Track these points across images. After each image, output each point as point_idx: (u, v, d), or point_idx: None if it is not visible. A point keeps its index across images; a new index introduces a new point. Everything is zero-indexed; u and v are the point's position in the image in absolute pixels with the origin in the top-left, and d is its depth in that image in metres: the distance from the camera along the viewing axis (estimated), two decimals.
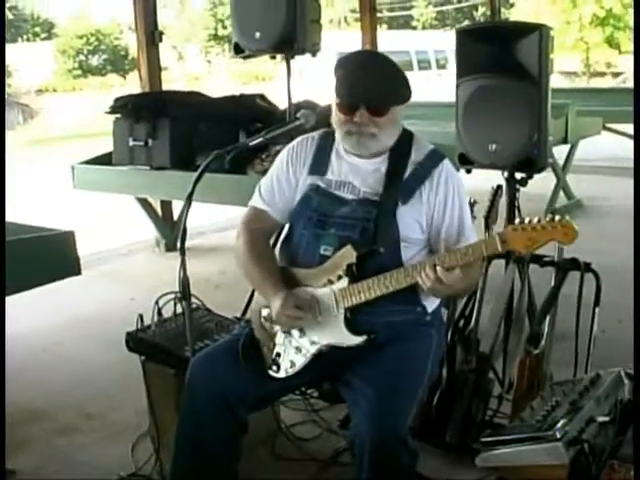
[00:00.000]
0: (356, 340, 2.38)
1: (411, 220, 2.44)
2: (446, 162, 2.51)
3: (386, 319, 2.43)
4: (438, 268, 2.24)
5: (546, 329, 3.09)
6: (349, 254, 2.38)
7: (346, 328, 2.40)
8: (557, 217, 2.16)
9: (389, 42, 16.26)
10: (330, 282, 2.42)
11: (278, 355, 2.50)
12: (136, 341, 3.09)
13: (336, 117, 2.47)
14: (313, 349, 2.45)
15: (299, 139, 2.65)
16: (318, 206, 2.50)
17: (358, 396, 2.33)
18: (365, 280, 2.35)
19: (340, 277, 2.39)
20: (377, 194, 2.45)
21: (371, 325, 2.40)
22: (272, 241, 2.75)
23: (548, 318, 3.10)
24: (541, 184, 4.69)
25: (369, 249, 2.38)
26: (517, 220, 2.21)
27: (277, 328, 2.52)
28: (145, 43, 6.32)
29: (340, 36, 18.24)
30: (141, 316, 3.12)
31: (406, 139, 2.52)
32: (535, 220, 2.17)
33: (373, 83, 2.38)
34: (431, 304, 2.55)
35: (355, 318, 2.41)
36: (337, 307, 2.41)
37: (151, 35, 6.31)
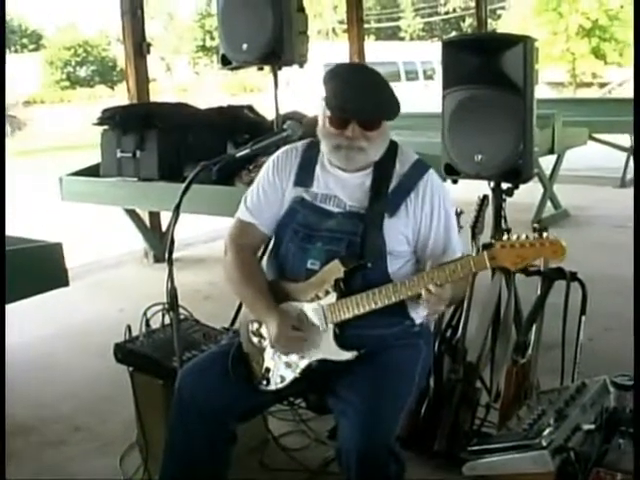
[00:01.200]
0: (346, 355, 2.39)
1: (397, 233, 2.44)
2: (431, 173, 2.51)
3: (374, 332, 2.43)
4: (431, 287, 2.26)
5: (533, 338, 3.09)
6: (336, 269, 2.38)
7: (335, 343, 2.40)
8: (545, 234, 2.17)
9: (377, 53, 16.37)
10: (318, 297, 2.41)
11: (267, 370, 2.50)
12: (124, 352, 3.09)
13: (325, 130, 2.45)
14: (303, 364, 2.45)
15: (283, 149, 2.63)
16: (304, 219, 2.49)
17: (345, 405, 2.34)
18: (354, 296, 2.35)
19: (328, 292, 2.39)
20: (363, 207, 2.45)
21: (359, 339, 2.39)
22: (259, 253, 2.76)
23: (535, 327, 3.10)
24: (528, 194, 4.71)
25: (357, 264, 2.37)
26: (505, 236, 2.22)
27: (266, 343, 2.51)
28: (133, 54, 6.32)
29: (328, 47, 18.28)
30: (129, 327, 3.12)
31: (391, 151, 2.51)
32: (523, 236, 2.18)
33: (366, 98, 2.36)
34: (419, 316, 2.55)
35: (344, 333, 2.40)
36: (326, 322, 2.40)
37: (139, 46, 6.32)
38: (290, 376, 2.47)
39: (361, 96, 2.36)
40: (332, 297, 2.38)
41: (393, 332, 2.48)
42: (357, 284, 2.36)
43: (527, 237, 2.18)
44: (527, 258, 2.18)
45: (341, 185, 2.50)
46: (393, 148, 2.52)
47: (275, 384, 2.49)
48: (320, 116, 2.47)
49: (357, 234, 2.41)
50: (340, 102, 2.36)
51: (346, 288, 2.37)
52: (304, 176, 2.54)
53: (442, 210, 2.48)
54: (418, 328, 2.55)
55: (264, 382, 2.50)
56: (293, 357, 2.47)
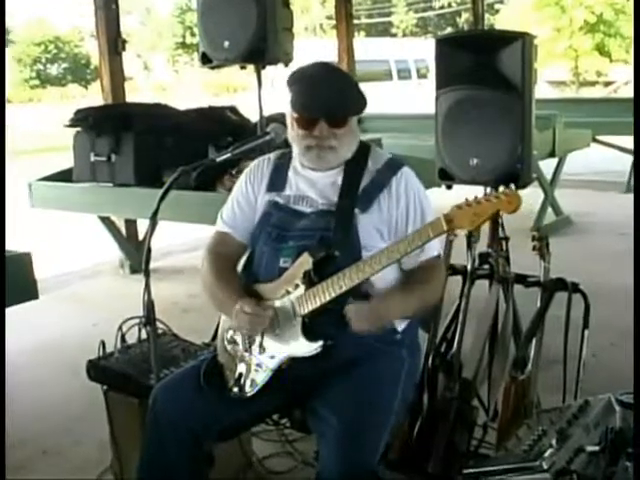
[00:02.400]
0: (312, 346, 2.42)
1: (371, 228, 2.51)
2: (405, 169, 2.60)
3: (351, 335, 2.44)
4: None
5: (532, 353, 3.10)
6: (305, 261, 2.45)
7: (303, 335, 2.44)
8: (501, 188, 2.26)
9: (367, 50, 16.43)
10: (288, 292, 2.47)
11: (240, 375, 2.56)
12: (98, 369, 3.09)
13: (294, 132, 2.56)
14: (273, 363, 2.50)
15: (256, 162, 2.75)
16: (277, 221, 2.58)
17: (324, 427, 2.36)
18: (320, 284, 2.40)
19: (297, 286, 2.45)
20: (334, 205, 2.54)
21: (333, 338, 2.43)
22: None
23: (534, 341, 3.12)
24: (527, 200, 4.74)
25: (325, 254, 2.43)
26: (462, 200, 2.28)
27: (240, 349, 2.57)
28: (108, 51, 6.34)
29: (315, 44, 18.35)
30: (103, 342, 3.13)
31: (363, 150, 2.62)
32: (480, 196, 2.25)
33: (331, 95, 2.48)
34: (400, 321, 2.59)
35: (314, 326, 2.45)
36: (295, 316, 2.46)
37: (114, 43, 6.33)
38: (261, 377, 2.51)
39: (326, 94, 2.48)
40: (301, 289, 2.45)
41: (371, 335, 2.49)
42: (329, 275, 2.40)
43: (485, 194, 2.26)
44: (484, 214, 2.22)
45: (313, 185, 2.60)
46: (365, 148, 2.63)
47: (247, 389, 2.53)
48: (288, 120, 2.58)
49: (329, 229, 2.49)
50: (305, 102, 2.49)
51: (318, 280, 2.42)
52: (276, 181, 2.66)
53: (418, 206, 2.55)
54: (400, 336, 2.59)
55: (237, 389, 2.54)
56: (264, 358, 2.52)
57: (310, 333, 2.44)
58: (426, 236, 2.29)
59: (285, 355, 2.48)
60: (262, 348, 2.53)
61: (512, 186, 2.24)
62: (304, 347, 2.44)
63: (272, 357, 2.50)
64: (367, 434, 2.35)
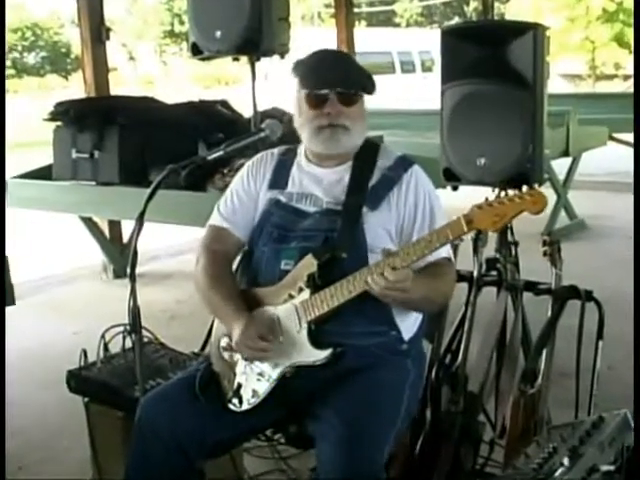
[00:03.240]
0: (321, 355, 2.44)
1: (379, 228, 2.54)
2: (416, 168, 2.64)
3: (355, 342, 2.49)
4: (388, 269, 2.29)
5: (543, 365, 3.10)
6: (310, 263, 2.46)
7: (310, 343, 2.46)
8: (525, 188, 2.23)
9: (368, 41, 16.45)
10: (291, 296, 2.49)
11: (239, 386, 2.55)
12: (79, 380, 3.10)
13: (302, 117, 2.59)
14: (276, 373, 2.50)
15: (259, 155, 2.77)
16: (279, 220, 2.61)
17: (325, 427, 2.38)
18: (327, 288, 2.41)
19: (301, 289, 2.46)
20: (341, 204, 2.56)
21: (339, 346, 2.45)
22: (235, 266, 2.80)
23: (545, 353, 3.11)
24: None
25: (330, 255, 2.45)
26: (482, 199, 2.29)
27: (238, 357, 2.57)
28: (90, 40, 6.34)
29: (313, 34, 18.35)
30: (85, 352, 3.14)
31: (372, 147, 2.67)
32: (502, 195, 2.26)
33: (342, 70, 2.56)
34: (408, 329, 2.62)
35: (320, 333, 2.46)
36: (299, 322, 2.47)
37: (97, 31, 6.33)
38: (263, 387, 2.52)
39: (336, 69, 2.56)
40: (305, 294, 2.46)
41: (377, 343, 2.54)
42: (334, 279, 2.42)
43: (507, 194, 2.26)
44: (506, 215, 2.24)
45: (318, 182, 2.63)
46: (374, 145, 2.69)
47: (247, 401, 2.53)
48: (295, 106, 2.61)
49: (334, 230, 2.51)
50: (316, 76, 2.54)
51: (322, 284, 2.43)
52: (279, 178, 2.69)
53: (427, 206, 2.58)
54: (406, 346, 2.61)
55: (236, 401, 2.54)
56: (265, 366, 2.52)
57: (317, 340, 2.45)
58: (444, 237, 2.31)
59: (290, 363, 2.49)
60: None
61: (536, 186, 2.25)
62: (312, 355, 2.45)
63: (276, 365, 2.51)
64: (371, 434, 2.36)
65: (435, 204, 2.61)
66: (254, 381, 2.54)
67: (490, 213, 2.24)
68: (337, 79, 2.51)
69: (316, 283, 2.44)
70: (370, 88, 2.59)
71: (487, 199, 2.27)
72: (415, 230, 2.55)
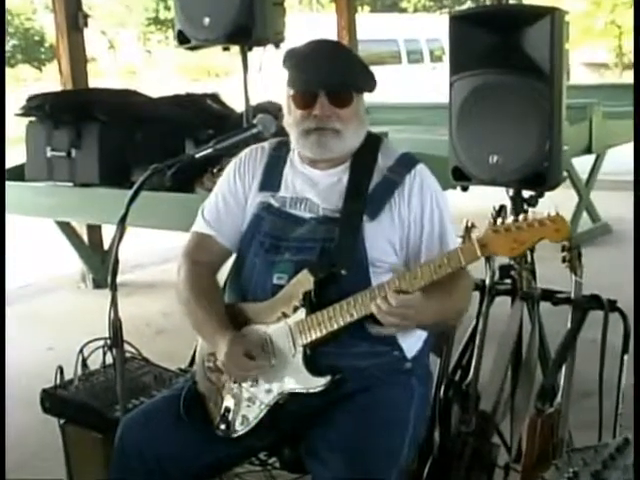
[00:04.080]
0: (318, 382, 2.43)
1: (381, 239, 2.52)
2: (421, 167, 2.60)
3: (355, 363, 2.48)
4: (391, 293, 2.29)
5: (562, 382, 3.10)
6: (305, 280, 2.45)
7: (306, 369, 2.45)
8: (545, 212, 2.24)
9: (372, 28, 16.45)
10: (285, 315, 2.48)
11: (227, 410, 2.55)
12: (54, 400, 3.10)
13: (291, 116, 2.57)
14: (268, 399, 2.50)
15: (247, 150, 2.75)
16: (270, 228, 2.58)
17: (323, 452, 2.38)
18: (325, 309, 2.41)
19: (296, 308, 2.46)
20: (339, 210, 2.53)
21: (336, 370, 2.44)
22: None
23: (565, 368, 3.11)
24: (559, 204, 4.74)
25: (328, 272, 2.44)
26: (499, 221, 2.30)
27: (225, 378, 2.56)
28: (66, 27, 6.35)
29: (311, 21, 18.35)
30: (61, 368, 3.14)
31: (372, 144, 2.63)
32: (521, 218, 2.26)
33: (333, 66, 2.50)
34: (411, 347, 2.60)
35: (317, 356, 2.46)
36: (294, 345, 2.46)
37: (74, 17, 6.34)
38: (254, 414, 2.51)
39: (326, 65, 2.50)
40: (301, 313, 2.45)
41: (378, 364, 2.53)
42: (332, 298, 2.42)
43: (525, 218, 2.25)
44: (525, 242, 2.25)
45: (313, 186, 2.60)
46: (374, 140, 2.64)
47: (237, 428, 2.53)
48: (285, 104, 2.59)
49: (332, 240, 2.49)
50: (302, 75, 2.51)
51: (318, 303, 2.43)
52: (271, 179, 2.65)
53: (435, 212, 2.56)
54: (410, 364, 2.60)
55: (223, 426, 2.54)
56: (257, 391, 2.51)
57: (314, 366, 2.45)
58: (456, 262, 2.30)
59: (284, 390, 2.48)
60: (255, 380, 2.52)
61: (556, 209, 2.24)
62: (308, 383, 2.45)
63: (268, 391, 2.50)
64: (374, 460, 2.36)
65: (443, 206, 2.59)
66: (244, 407, 2.53)
67: (507, 239, 2.25)
68: (328, 77, 2.48)
69: (312, 302, 2.43)
70: (367, 86, 2.57)
71: (504, 222, 2.26)
72: (423, 241, 2.54)
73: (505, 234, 2.25)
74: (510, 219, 2.27)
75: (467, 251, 2.29)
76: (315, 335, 2.43)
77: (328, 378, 2.42)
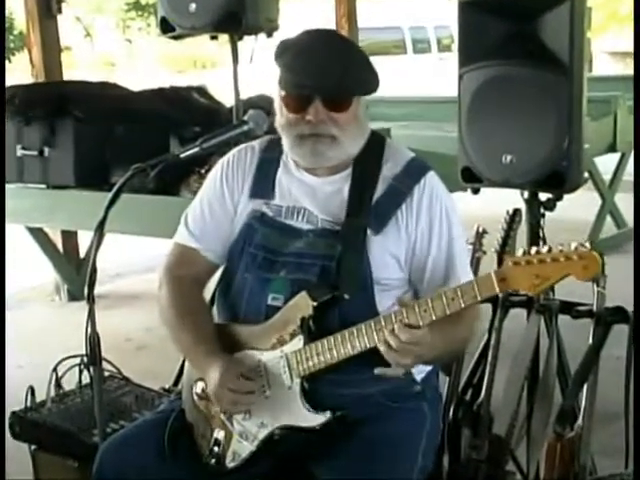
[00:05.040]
0: (318, 420, 2.42)
1: (386, 255, 2.50)
2: (430, 176, 2.57)
3: (359, 391, 2.48)
4: (399, 328, 2.25)
5: (584, 403, 3.11)
6: (304, 304, 2.43)
7: (304, 403, 2.43)
8: (573, 244, 2.18)
9: (373, 15, 16.46)
10: (281, 342, 2.46)
11: (217, 444, 2.54)
12: (25, 424, 3.10)
13: (282, 119, 2.52)
14: (262, 434, 2.49)
15: (234, 151, 2.71)
16: (264, 240, 2.55)
17: None
18: (326, 338, 2.38)
19: (293, 335, 2.44)
20: (340, 222, 2.50)
21: (338, 399, 2.43)
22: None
23: (586, 388, 3.12)
24: (579, 207, 4.72)
25: (330, 296, 2.42)
26: (520, 251, 2.25)
27: (216, 409, 2.55)
28: (38, 13, 6.35)
29: (306, 8, 18.35)
30: (32, 389, 3.14)
31: (376, 147, 2.59)
32: (544, 250, 2.21)
33: (329, 66, 2.42)
34: (420, 368, 2.58)
35: (316, 389, 2.44)
36: (291, 376, 2.45)
37: (46, 3, 6.34)
38: (246, 451, 2.50)
39: (322, 65, 2.43)
40: (299, 341, 2.43)
41: (385, 390, 2.51)
42: (333, 324, 2.41)
43: (549, 249, 2.19)
44: (549, 278, 2.19)
45: (311, 194, 2.57)
46: (378, 142, 2.61)
47: (227, 464, 2.52)
48: (277, 104, 2.55)
49: (333, 258, 2.46)
50: (295, 76, 2.45)
51: (318, 330, 2.41)
52: (263, 185, 2.61)
53: (444, 225, 2.53)
54: (419, 387, 2.59)
55: (212, 461, 2.53)
56: (249, 425, 2.50)
57: (313, 400, 2.44)
58: (471, 297, 2.24)
59: (279, 425, 2.47)
60: (247, 412, 2.51)
61: (587, 244, 2.17)
62: (306, 419, 2.43)
63: (262, 425, 2.49)
64: None
65: (453, 222, 2.56)
66: (235, 442, 2.52)
67: (528, 273, 2.19)
68: (323, 80, 2.41)
69: (311, 329, 2.41)
70: (368, 88, 2.52)
71: (525, 252, 2.22)
72: (430, 258, 2.52)
73: (526, 268, 2.20)
74: (533, 250, 2.23)
75: (483, 285, 2.24)
76: (314, 367, 2.41)
77: (328, 415, 2.41)
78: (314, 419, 2.42)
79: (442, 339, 2.34)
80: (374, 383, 2.48)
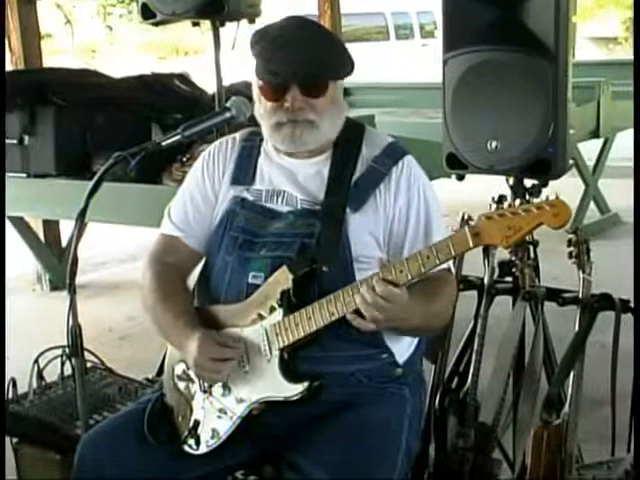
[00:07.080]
0: (295, 389, 2.42)
1: (364, 233, 2.52)
2: (408, 159, 2.61)
3: (339, 369, 2.48)
4: (377, 281, 2.27)
5: (570, 390, 3.12)
6: (283, 278, 2.44)
7: (282, 374, 2.44)
8: (544, 196, 2.25)
9: (356, 1, 16.43)
10: (260, 317, 2.47)
11: (197, 424, 2.54)
12: (6, 416, 3.09)
13: (261, 107, 2.56)
14: (241, 409, 2.49)
15: (216, 143, 2.75)
16: (245, 223, 2.58)
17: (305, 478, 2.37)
18: (304, 308, 2.40)
19: (273, 309, 2.45)
20: (319, 203, 2.54)
21: (317, 376, 2.43)
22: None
23: (573, 375, 3.13)
24: (563, 193, 4.72)
25: (309, 268, 2.44)
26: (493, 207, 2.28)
27: (195, 388, 2.56)
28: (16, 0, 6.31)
29: None
30: (14, 381, 3.13)
31: (355, 132, 2.63)
32: (517, 203, 2.27)
33: (303, 53, 2.47)
34: (402, 351, 2.60)
35: (295, 365, 2.45)
36: (270, 349, 2.46)
37: None
38: (225, 427, 2.51)
39: (297, 52, 2.47)
40: (278, 314, 2.44)
41: (365, 369, 2.53)
42: (313, 297, 2.41)
43: (522, 203, 2.26)
44: (521, 229, 2.22)
45: (291, 177, 2.61)
46: (358, 129, 2.65)
47: (206, 442, 2.52)
48: (254, 92, 2.59)
49: (312, 235, 2.49)
50: (270, 63, 2.48)
51: (298, 302, 2.42)
52: (244, 171, 2.65)
53: (422, 205, 2.56)
54: (401, 370, 2.60)
55: (192, 442, 2.54)
56: (228, 401, 2.50)
57: (291, 371, 2.44)
58: (446, 253, 2.27)
59: (258, 399, 2.47)
60: (227, 389, 2.51)
61: (556, 194, 2.23)
62: (284, 389, 2.44)
63: (240, 401, 2.49)
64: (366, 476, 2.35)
65: (431, 203, 2.59)
66: (214, 418, 2.52)
67: (501, 225, 2.23)
68: (298, 67, 2.45)
69: (291, 302, 2.42)
70: (343, 72, 2.56)
71: (498, 208, 2.27)
72: (408, 237, 2.55)
73: (499, 220, 2.23)
74: (506, 204, 2.27)
75: (457, 241, 2.27)
76: (292, 337, 2.42)
77: (306, 384, 2.41)
78: (292, 389, 2.42)
79: (418, 307, 2.36)
80: (355, 362, 2.52)
